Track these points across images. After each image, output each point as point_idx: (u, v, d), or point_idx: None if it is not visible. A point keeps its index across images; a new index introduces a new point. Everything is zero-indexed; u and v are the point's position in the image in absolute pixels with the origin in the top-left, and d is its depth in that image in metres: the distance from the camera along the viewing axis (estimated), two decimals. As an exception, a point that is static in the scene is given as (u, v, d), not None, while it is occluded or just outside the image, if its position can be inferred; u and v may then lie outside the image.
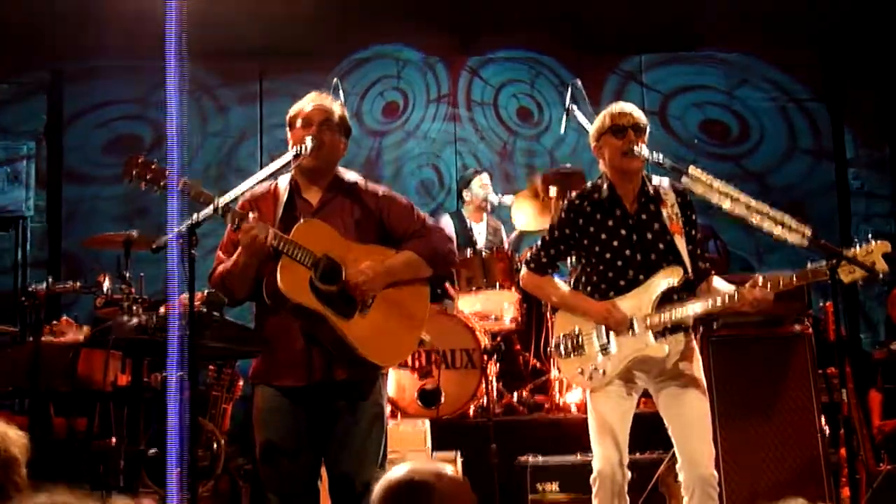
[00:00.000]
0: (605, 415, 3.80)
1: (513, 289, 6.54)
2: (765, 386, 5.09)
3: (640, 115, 3.87)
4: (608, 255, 3.84)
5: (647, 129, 3.89)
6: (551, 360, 6.61)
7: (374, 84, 8.56)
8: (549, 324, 6.67)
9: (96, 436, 5.33)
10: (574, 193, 4.01)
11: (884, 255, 3.54)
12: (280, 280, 3.36)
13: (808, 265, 3.63)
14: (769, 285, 3.64)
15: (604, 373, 3.78)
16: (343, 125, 3.71)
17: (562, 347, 3.88)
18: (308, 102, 3.69)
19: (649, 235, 3.84)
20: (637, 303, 3.79)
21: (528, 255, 4.10)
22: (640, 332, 3.76)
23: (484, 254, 6.57)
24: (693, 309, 3.75)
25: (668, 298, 3.79)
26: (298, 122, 3.64)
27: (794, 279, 3.63)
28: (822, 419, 5.09)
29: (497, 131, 8.64)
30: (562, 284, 4.10)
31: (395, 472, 2.18)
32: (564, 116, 6.97)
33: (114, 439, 5.20)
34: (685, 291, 3.82)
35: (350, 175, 3.75)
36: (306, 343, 3.49)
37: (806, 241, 3.56)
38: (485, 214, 7.39)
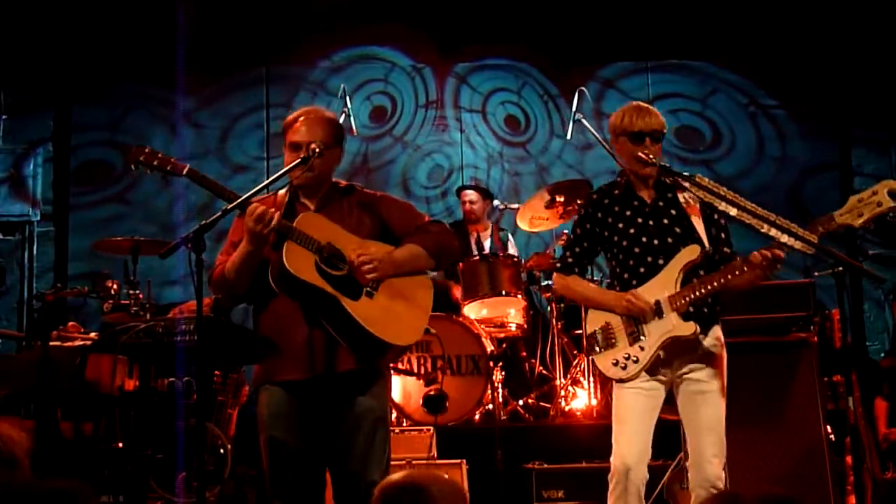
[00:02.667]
0: (629, 410, 3.81)
1: (519, 295, 6.55)
2: (770, 393, 5.09)
3: (660, 120, 3.90)
4: (626, 243, 3.87)
5: (665, 131, 3.92)
6: (558, 368, 6.63)
7: (361, 87, 8.57)
8: (555, 331, 6.70)
9: (103, 440, 5.33)
10: (593, 191, 4.08)
11: (889, 191, 3.54)
12: (287, 261, 3.37)
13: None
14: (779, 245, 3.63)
15: (637, 360, 3.78)
16: (335, 135, 3.68)
17: (594, 344, 3.88)
18: (299, 118, 3.65)
19: (666, 220, 3.86)
20: (661, 286, 3.79)
21: (557, 256, 4.14)
22: (666, 313, 3.76)
23: (490, 260, 6.58)
24: (715, 282, 3.73)
25: (691, 278, 3.79)
26: (289, 145, 3.62)
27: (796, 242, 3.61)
28: (828, 427, 5.09)
29: (486, 138, 8.70)
30: (587, 282, 4.13)
31: (392, 477, 2.24)
32: (571, 123, 7.03)
33: (121, 444, 5.21)
34: (707, 269, 3.82)
35: (346, 182, 3.78)
36: (308, 336, 3.49)
37: (812, 248, 3.57)
38: (490, 224, 7.46)
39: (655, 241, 3.84)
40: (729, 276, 3.72)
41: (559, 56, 8.61)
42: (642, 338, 3.79)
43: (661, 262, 3.83)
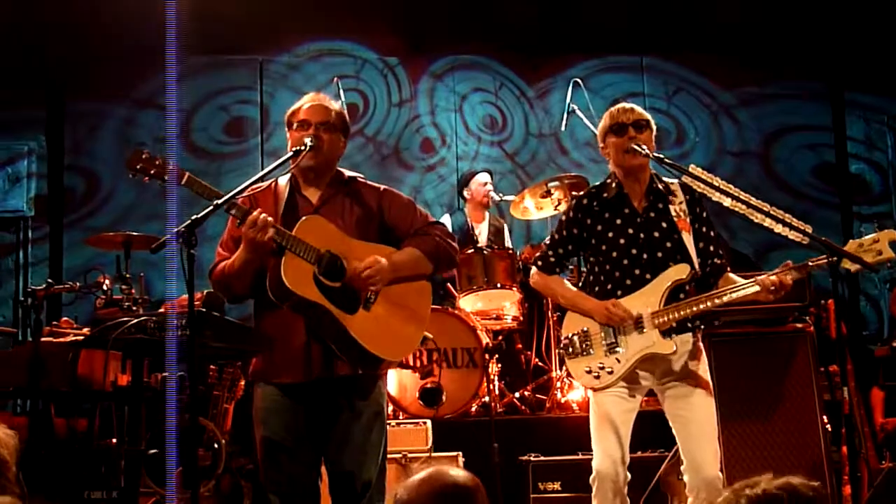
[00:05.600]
0: (607, 413, 3.77)
1: (514, 288, 6.53)
2: (766, 384, 5.08)
3: (641, 112, 3.86)
4: (615, 254, 3.82)
5: (652, 126, 3.86)
6: (554, 360, 6.62)
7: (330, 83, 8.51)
8: (551, 322, 6.68)
9: (97, 436, 5.32)
10: (582, 192, 4.00)
11: (891, 242, 3.55)
12: (284, 274, 3.34)
13: (810, 262, 3.63)
14: (786, 274, 3.63)
15: (612, 372, 3.75)
16: (341, 123, 3.70)
17: (570, 347, 3.85)
18: (305, 102, 3.68)
19: (657, 234, 3.82)
20: (645, 301, 3.76)
21: (537, 253, 4.10)
22: (647, 329, 3.73)
23: (485, 252, 6.56)
24: (702, 304, 3.72)
25: (676, 295, 3.77)
26: (296, 124, 3.63)
27: (798, 272, 3.64)
28: (824, 417, 5.08)
29: (462, 137, 8.70)
30: (569, 284, 4.07)
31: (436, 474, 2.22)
32: (566, 115, 7.01)
33: (114, 439, 5.20)
34: (694, 288, 3.81)
35: (350, 173, 3.75)
36: (306, 340, 3.48)
37: (807, 238, 3.56)
38: (486, 213, 7.39)
39: (645, 255, 3.81)
40: (716, 301, 3.71)
41: (529, 55, 8.67)
42: (619, 350, 3.76)
43: (648, 276, 3.79)
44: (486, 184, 7.30)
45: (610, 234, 3.84)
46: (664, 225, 3.83)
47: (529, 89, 8.73)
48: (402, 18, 8.33)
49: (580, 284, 4.01)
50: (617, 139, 3.81)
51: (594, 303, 3.81)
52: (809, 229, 3.55)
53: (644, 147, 3.75)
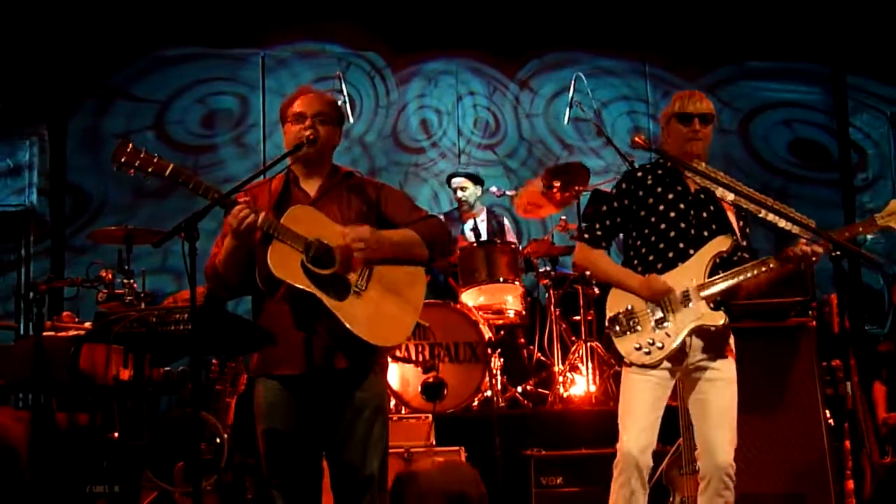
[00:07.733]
0: (639, 400, 3.77)
1: (516, 282, 6.53)
2: (769, 378, 5.08)
3: (709, 104, 3.88)
4: (663, 226, 3.83)
5: (715, 118, 3.90)
6: (556, 354, 6.62)
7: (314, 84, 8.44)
8: (553, 317, 6.69)
9: (99, 430, 5.32)
10: (637, 166, 4.03)
11: None
12: (271, 261, 3.30)
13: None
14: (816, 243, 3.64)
15: (662, 347, 3.74)
16: (336, 114, 3.68)
17: (616, 325, 3.82)
18: (300, 95, 3.65)
19: (705, 214, 3.84)
20: (689, 274, 3.77)
21: (583, 225, 4.09)
22: (694, 302, 3.73)
23: (487, 246, 6.55)
24: (748, 273, 3.72)
25: (719, 268, 3.77)
26: (291, 117, 3.61)
27: (836, 235, 3.61)
28: (826, 411, 5.08)
29: (452, 139, 8.71)
30: (612, 261, 4.02)
31: None
32: (568, 109, 7.02)
33: (116, 434, 5.19)
34: (737, 262, 3.81)
35: (347, 168, 3.74)
36: (305, 332, 3.46)
37: (809, 233, 3.56)
38: (484, 210, 7.41)
39: (692, 231, 3.82)
40: (763, 270, 3.71)
41: (517, 53, 8.72)
42: (668, 324, 3.75)
43: (691, 251, 3.80)
44: (455, 190, 7.37)
45: (661, 207, 3.85)
46: (712, 208, 3.85)
47: (518, 87, 8.76)
48: (394, 19, 8.34)
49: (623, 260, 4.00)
50: (681, 127, 3.84)
51: (639, 279, 3.80)
52: (813, 224, 3.55)
53: (702, 140, 3.82)
